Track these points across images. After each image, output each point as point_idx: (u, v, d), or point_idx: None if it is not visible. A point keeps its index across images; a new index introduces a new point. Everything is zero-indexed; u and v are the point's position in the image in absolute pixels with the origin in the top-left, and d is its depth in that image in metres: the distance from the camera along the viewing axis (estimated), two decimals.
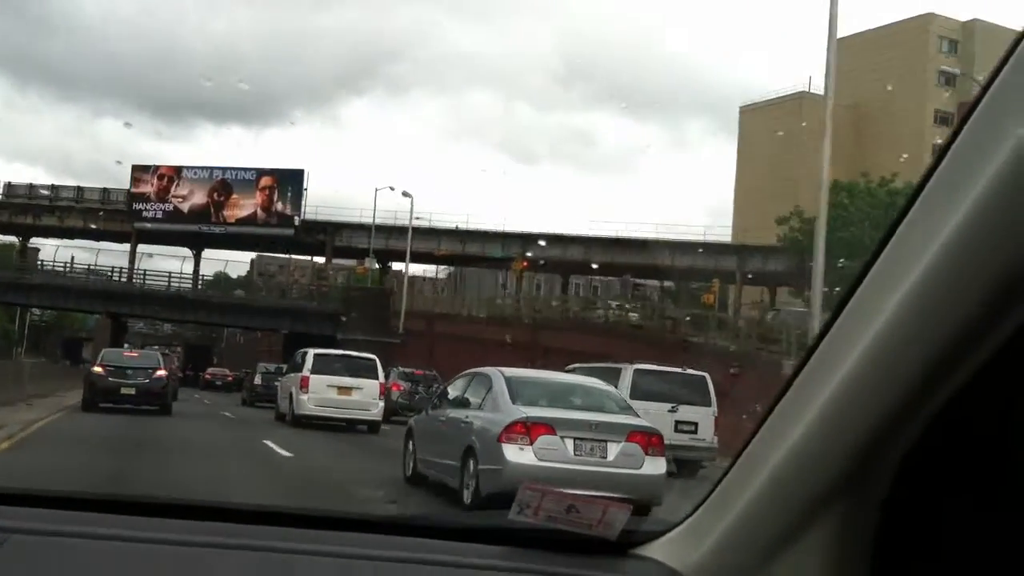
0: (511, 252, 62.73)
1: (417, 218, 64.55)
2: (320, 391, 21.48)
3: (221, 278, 72.49)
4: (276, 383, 27.88)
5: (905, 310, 1.10)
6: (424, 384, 29.15)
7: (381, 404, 22.38)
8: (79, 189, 73.72)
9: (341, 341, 57.87)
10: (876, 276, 1.15)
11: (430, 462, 11.63)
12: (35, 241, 74.90)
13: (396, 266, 70.11)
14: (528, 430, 9.66)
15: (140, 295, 63.04)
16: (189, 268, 69.66)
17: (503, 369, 11.43)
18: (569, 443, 9.67)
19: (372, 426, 22.07)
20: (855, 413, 1.19)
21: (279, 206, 66.33)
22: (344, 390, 21.64)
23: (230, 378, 61.26)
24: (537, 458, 9.47)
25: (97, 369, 23.24)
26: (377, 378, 22.42)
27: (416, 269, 71.31)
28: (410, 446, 12.49)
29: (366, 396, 21.85)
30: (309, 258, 77.62)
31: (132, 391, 22.34)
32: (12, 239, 73.62)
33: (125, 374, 22.67)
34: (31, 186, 74.86)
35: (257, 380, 35.58)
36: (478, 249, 64.71)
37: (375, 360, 23.08)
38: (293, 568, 1.50)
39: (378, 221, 63.85)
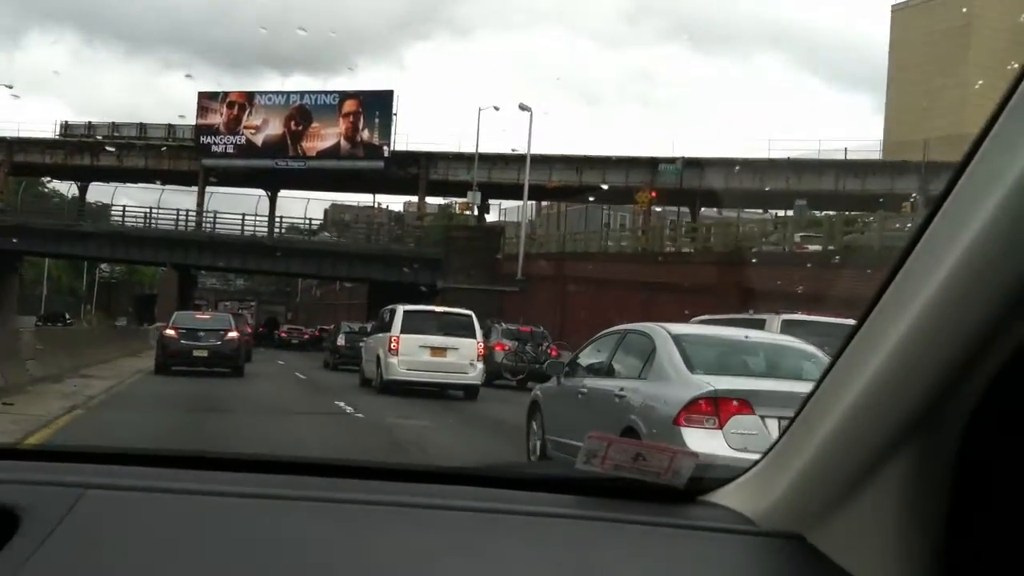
0: (636, 181, 52.90)
1: (512, 150, 55.06)
2: (411, 353, 19.57)
3: (297, 225, 63.28)
4: (361, 344, 25.59)
5: (981, 245, 1.10)
6: (533, 342, 25.81)
7: (480, 366, 20.34)
8: (141, 126, 65.61)
9: (443, 291, 49.01)
10: (950, 212, 1.16)
11: (567, 445, 8.98)
12: (93, 187, 67.05)
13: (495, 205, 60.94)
14: (716, 408, 7.35)
15: (210, 242, 54.59)
16: (263, 210, 60.98)
17: (667, 325, 8.90)
18: (772, 424, 7.00)
19: (470, 391, 20.12)
20: (932, 347, 1.19)
21: (365, 135, 57.16)
22: (438, 351, 19.78)
23: (307, 336, 57.09)
24: (730, 446, 7.02)
25: (169, 332, 23.21)
26: (475, 337, 20.33)
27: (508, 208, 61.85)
28: (535, 424, 10.67)
29: (463, 357, 19.89)
30: (393, 204, 68.69)
31: (204, 353, 22.34)
32: (67, 185, 65.49)
33: (197, 336, 22.64)
34: (90, 125, 67.05)
35: (341, 341, 31.97)
36: (596, 178, 54.80)
37: (472, 316, 20.89)
38: (364, 519, 1.53)
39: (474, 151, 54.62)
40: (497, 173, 56.28)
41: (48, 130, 66.09)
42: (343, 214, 78.97)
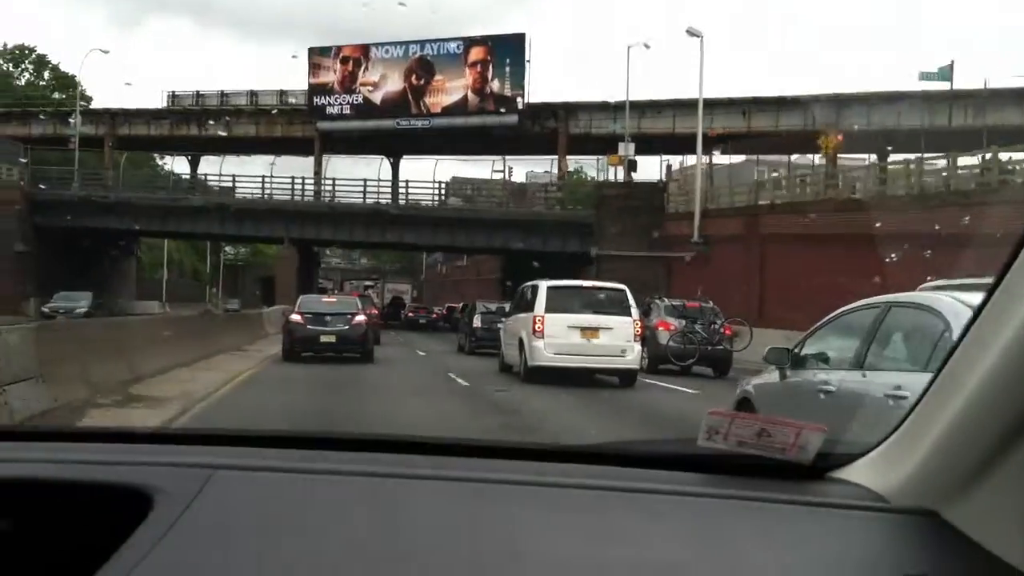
0: (817, 123, 44.86)
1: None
2: (558, 334, 17.32)
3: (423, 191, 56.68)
4: (499, 325, 23.33)
5: None
6: (703, 321, 22.26)
7: (638, 348, 17.86)
8: (252, 93, 60.26)
9: (598, 260, 42.21)
10: None
11: None
12: (205, 161, 62.03)
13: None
14: None
15: (330, 213, 48.73)
16: (384, 175, 54.95)
17: (960, 296, 5.86)
18: None
19: (626, 377, 17.72)
20: None
21: (495, 86, 50.40)
22: (589, 331, 17.48)
23: (435, 315, 54.05)
24: None
25: (295, 317, 22.57)
26: (630, 314, 17.84)
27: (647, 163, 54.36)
28: None
29: (618, 338, 17.50)
30: (529, 166, 61.66)
31: (332, 339, 21.87)
32: (175, 159, 60.60)
33: (324, 321, 22.15)
34: (198, 94, 62.04)
35: (477, 323, 28.47)
36: (768, 122, 46.93)
37: (626, 291, 18.29)
38: (485, 496, 1.54)
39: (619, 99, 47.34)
40: (648, 123, 48.92)
41: (156, 104, 61.61)
42: (465, 187, 72.19)
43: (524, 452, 1.82)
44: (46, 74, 78.46)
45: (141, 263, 74.81)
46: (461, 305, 51.06)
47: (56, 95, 71.37)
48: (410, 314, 56.79)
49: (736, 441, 1.57)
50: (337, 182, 51.31)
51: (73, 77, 67.43)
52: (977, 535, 1.34)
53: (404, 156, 58.10)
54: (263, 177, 51.28)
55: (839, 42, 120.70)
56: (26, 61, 78.47)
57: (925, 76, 42.59)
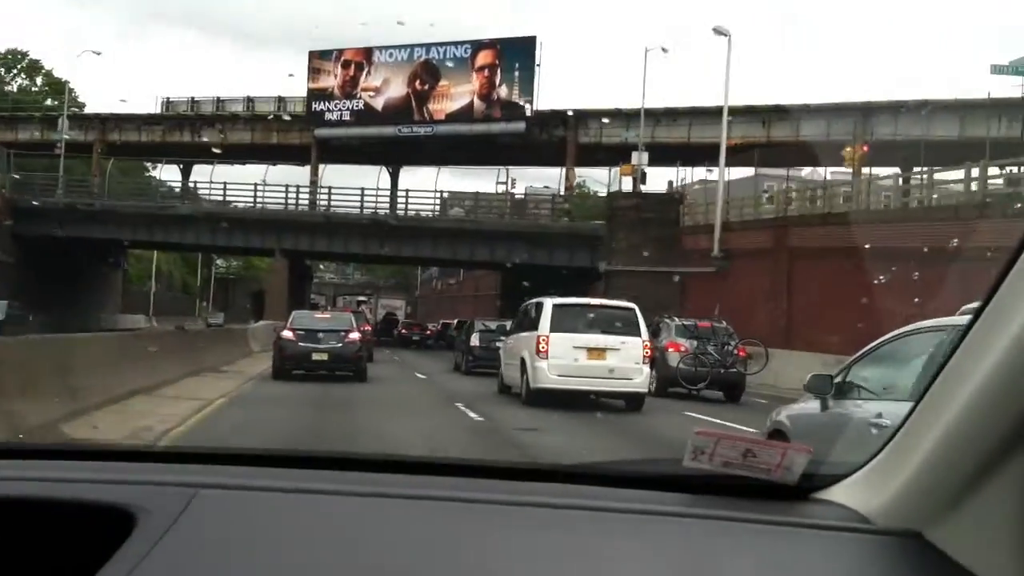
0: (841, 133, 42.27)
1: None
2: (564, 355, 16.33)
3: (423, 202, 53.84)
4: (498, 345, 22.64)
5: None
6: (716, 342, 20.99)
7: (647, 370, 16.85)
8: (248, 100, 57.81)
9: (608, 276, 39.53)
10: None
11: None
12: (197, 169, 59.47)
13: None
14: None
15: (325, 224, 46.07)
16: (383, 184, 52.37)
17: None
18: None
19: (633, 401, 16.77)
20: None
21: (503, 91, 47.88)
22: (596, 352, 16.49)
23: (428, 332, 52.05)
24: None
25: (287, 334, 21.75)
26: (639, 334, 16.78)
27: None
28: None
29: (626, 360, 16.48)
30: (534, 181, 59.04)
31: (324, 357, 21.16)
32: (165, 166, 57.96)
33: (316, 338, 21.37)
34: (193, 100, 59.64)
35: (475, 341, 27.19)
36: (788, 131, 44.32)
37: (635, 310, 17.23)
38: (471, 517, 1.54)
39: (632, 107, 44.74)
40: (663, 131, 46.34)
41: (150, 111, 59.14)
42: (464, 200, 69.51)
43: (508, 472, 1.82)
44: (39, 80, 76.21)
45: (128, 275, 72.35)
46: (456, 322, 49.22)
47: (49, 101, 69.06)
48: (403, 331, 54.76)
49: (722, 461, 1.56)
50: (333, 191, 48.74)
51: (66, 83, 65.35)
52: (960, 556, 1.34)
53: (404, 166, 55.65)
54: (255, 185, 48.59)
55: (864, 49, 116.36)
56: (18, 66, 76.25)
57: (997, 70, 39.91)
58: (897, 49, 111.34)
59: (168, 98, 60.67)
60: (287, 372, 21.08)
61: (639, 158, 41.95)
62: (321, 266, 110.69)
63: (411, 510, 1.54)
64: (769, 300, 28.67)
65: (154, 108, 59.25)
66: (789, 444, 1.58)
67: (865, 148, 41.01)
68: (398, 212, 47.04)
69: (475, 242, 44.03)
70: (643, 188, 43.91)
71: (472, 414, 15.24)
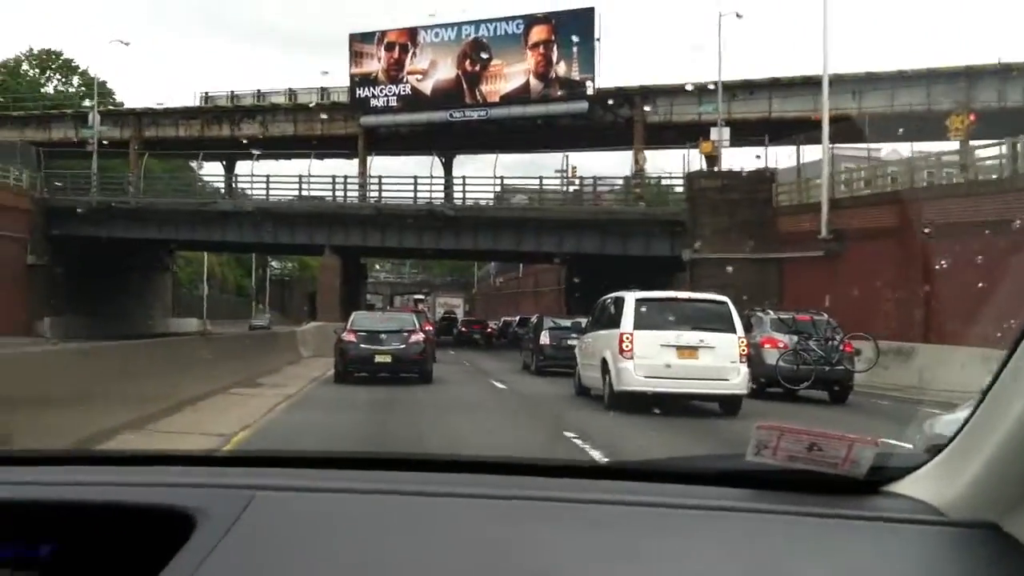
0: (942, 102, 38.30)
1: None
2: (650, 355, 14.84)
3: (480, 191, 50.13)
4: (570, 342, 21.75)
5: None
6: (818, 337, 18.70)
7: (744, 370, 15.14)
8: (290, 92, 54.85)
9: (692, 264, 35.89)
10: None
11: None
12: (242, 165, 56.61)
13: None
14: None
15: (376, 216, 42.75)
16: (435, 172, 49.00)
17: None
18: None
19: (729, 404, 15.16)
20: None
21: (561, 69, 44.32)
22: (687, 351, 14.96)
23: (490, 331, 49.69)
24: None
25: (348, 336, 20.81)
26: (734, 330, 15.17)
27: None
28: None
29: (720, 359, 14.93)
30: (598, 165, 55.21)
31: (388, 359, 20.37)
32: (199, 160, 55.07)
33: (379, 340, 20.59)
34: (232, 94, 56.80)
35: (545, 340, 25.40)
36: (883, 103, 40.39)
37: (728, 304, 15.59)
38: (526, 515, 1.53)
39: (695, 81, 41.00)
40: (740, 106, 42.60)
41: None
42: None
43: (571, 470, 1.82)
44: (75, 80, 73.92)
45: (177, 278, 69.88)
46: (518, 319, 47.91)
47: (86, 102, 66.65)
48: (463, 329, 51.55)
49: (786, 456, 1.54)
50: (384, 181, 45.36)
51: (104, 83, 62.89)
52: None
53: (458, 154, 52.29)
54: (299, 177, 45.44)
55: (966, 6, 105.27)
56: (52, 66, 74.00)
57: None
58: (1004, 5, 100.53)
59: (207, 93, 58.04)
60: (350, 375, 20.15)
61: (719, 133, 38.17)
62: (377, 265, 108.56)
63: (469, 509, 1.53)
64: (898, 286, 24.84)
65: (192, 103, 56.72)
66: (856, 437, 1.53)
67: (972, 117, 37.01)
68: (455, 201, 43.62)
69: (540, 232, 40.48)
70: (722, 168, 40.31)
71: (577, 439, 11.59)
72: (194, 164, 51.03)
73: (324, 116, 50.97)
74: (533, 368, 25.22)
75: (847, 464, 1.50)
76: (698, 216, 36.04)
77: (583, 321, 22.17)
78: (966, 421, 1.47)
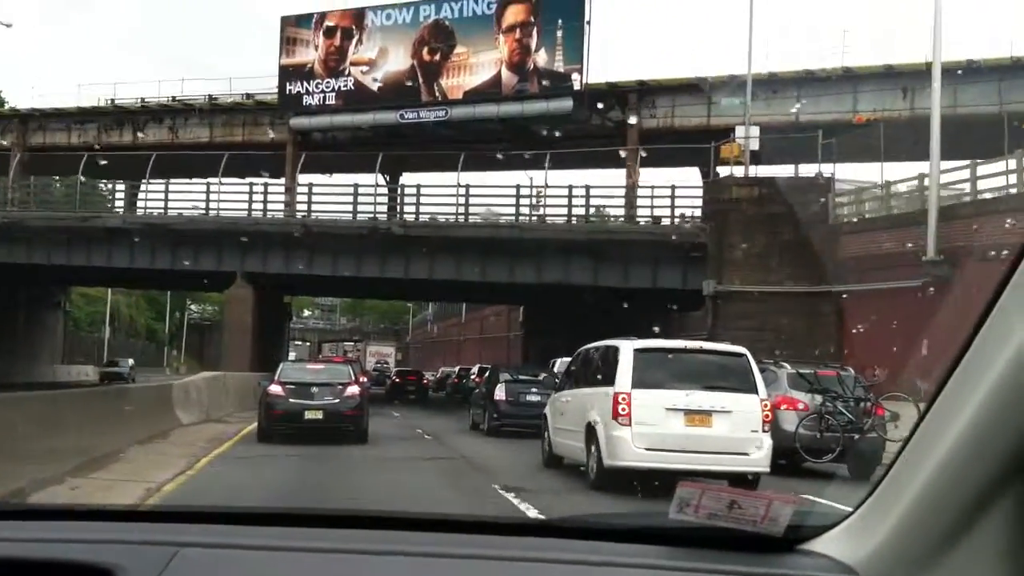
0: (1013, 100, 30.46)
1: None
2: (652, 421, 12.36)
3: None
4: (530, 398, 20.88)
5: None
6: (844, 398, 15.96)
7: (768, 442, 12.55)
8: (210, 98, 45.57)
9: (716, 299, 27.32)
10: None
11: None
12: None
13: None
14: None
15: (304, 237, 33.47)
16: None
17: None
18: None
19: (747, 484, 12.48)
20: None
21: (541, 58, 35.76)
22: (697, 417, 12.45)
23: (425, 382, 45.05)
24: None
25: (275, 389, 19.11)
26: (755, 390, 12.74)
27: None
28: None
29: (739, 427, 12.40)
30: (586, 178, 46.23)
31: (319, 415, 18.77)
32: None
33: (310, 394, 19.02)
34: (142, 101, 47.29)
35: (500, 395, 22.20)
36: (942, 101, 32.27)
37: (747, 357, 13.01)
38: (450, 572, 1.54)
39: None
40: (759, 108, 34.23)
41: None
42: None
43: (490, 527, 1.80)
44: None
45: (71, 318, 60.08)
46: (457, 370, 45.59)
47: None
48: (396, 380, 44.67)
49: (707, 514, 1.54)
50: (317, 192, 36.27)
51: None
52: None
53: (404, 171, 43.28)
54: (207, 184, 36.14)
55: None
56: None
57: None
58: None
59: (113, 100, 48.56)
60: (274, 434, 18.39)
61: (747, 132, 29.78)
62: (306, 311, 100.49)
63: (394, 567, 1.53)
64: None
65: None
66: (774, 495, 1.56)
67: None
68: (406, 217, 34.56)
69: (516, 257, 31.52)
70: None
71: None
72: (84, 178, 41.57)
73: (247, 120, 42.01)
74: (486, 428, 22.51)
75: (765, 522, 1.51)
76: (724, 236, 27.49)
77: (542, 374, 21.21)
78: (881, 478, 1.46)
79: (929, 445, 1.35)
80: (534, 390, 21.03)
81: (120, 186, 45.50)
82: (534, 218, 34.06)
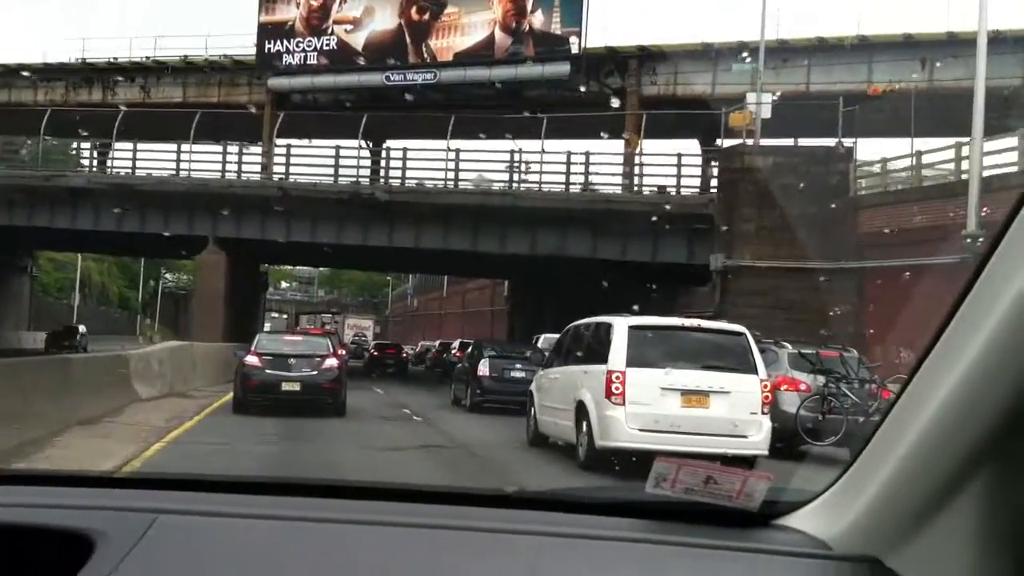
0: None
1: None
2: (647, 400, 11.94)
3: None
4: (515, 374, 20.63)
5: None
6: (848, 379, 15.58)
7: (767, 424, 12.18)
8: (185, 58, 43.19)
9: (725, 274, 25.50)
10: (1010, 244, 1.18)
11: None
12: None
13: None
14: None
15: (280, 200, 31.36)
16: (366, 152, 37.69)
17: None
18: None
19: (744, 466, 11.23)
20: (1005, 368, 1.19)
21: (537, 20, 33.74)
22: (694, 397, 12.08)
23: (404, 355, 43.20)
24: None
25: (251, 360, 18.75)
26: (755, 371, 12.34)
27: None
28: None
29: (737, 408, 12.07)
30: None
31: (296, 387, 18.58)
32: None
33: (287, 365, 18.73)
34: (114, 60, 44.76)
35: (483, 370, 21.79)
36: (963, 73, 30.53)
37: (746, 335, 12.56)
38: (429, 542, 1.54)
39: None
40: (768, 76, 32.34)
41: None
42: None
43: (472, 498, 1.81)
44: None
45: (39, 283, 57.75)
46: (438, 344, 44.71)
47: None
48: (375, 353, 42.76)
49: (683, 488, 1.56)
50: (295, 154, 34.16)
51: None
52: None
53: (390, 137, 41.17)
54: (178, 145, 33.91)
55: None
56: None
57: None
58: None
59: (84, 59, 46.07)
60: (251, 405, 17.94)
61: (759, 98, 27.90)
62: (283, 283, 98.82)
63: (374, 536, 1.53)
64: None
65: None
66: (750, 471, 1.58)
67: None
68: (391, 182, 32.51)
69: (509, 226, 29.56)
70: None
71: None
72: (48, 137, 39.27)
73: (223, 79, 39.78)
74: (468, 404, 22.13)
75: (741, 497, 1.53)
76: (735, 208, 25.66)
77: (528, 351, 21.08)
78: (857, 455, 1.47)
79: (905, 423, 1.34)
80: (519, 366, 20.72)
81: (85, 146, 42.73)
82: (528, 186, 32.16)
